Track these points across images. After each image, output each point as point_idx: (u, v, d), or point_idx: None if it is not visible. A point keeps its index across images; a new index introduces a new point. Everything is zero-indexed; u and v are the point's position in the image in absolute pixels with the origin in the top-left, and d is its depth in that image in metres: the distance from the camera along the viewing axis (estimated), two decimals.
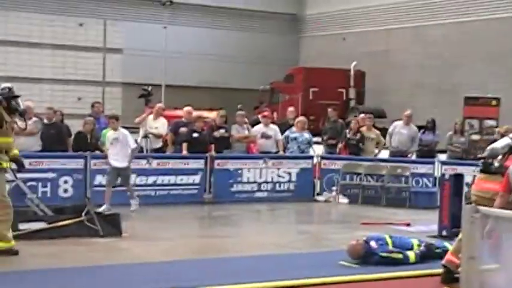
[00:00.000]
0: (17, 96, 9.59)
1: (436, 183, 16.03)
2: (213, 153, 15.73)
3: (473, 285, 5.53)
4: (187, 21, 35.40)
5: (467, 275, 5.67)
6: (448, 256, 8.42)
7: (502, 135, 16.68)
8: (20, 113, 9.76)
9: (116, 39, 33.72)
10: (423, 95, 28.99)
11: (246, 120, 17.55)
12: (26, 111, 10.50)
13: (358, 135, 17.38)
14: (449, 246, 10.09)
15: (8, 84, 9.66)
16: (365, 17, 32.68)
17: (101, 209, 12.30)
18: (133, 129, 16.03)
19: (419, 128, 18.34)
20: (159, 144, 16.44)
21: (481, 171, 8.69)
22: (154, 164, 15.08)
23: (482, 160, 8.67)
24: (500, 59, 26.37)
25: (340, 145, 17.67)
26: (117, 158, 13.51)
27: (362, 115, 18.23)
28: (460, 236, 7.57)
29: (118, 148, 13.53)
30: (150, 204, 14.28)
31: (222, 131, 16.41)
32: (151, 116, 16.66)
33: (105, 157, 13.79)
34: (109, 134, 13.76)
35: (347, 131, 17.71)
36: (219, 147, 16.09)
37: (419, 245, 9.89)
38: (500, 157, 8.48)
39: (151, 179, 14.99)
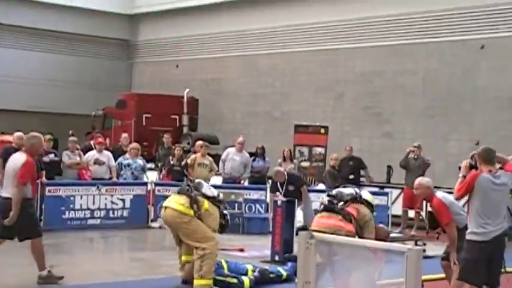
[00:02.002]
0: None
1: (268, 209, 16.39)
2: (44, 179, 15.33)
3: None
4: (16, 44, 34.18)
5: None
6: None
7: (333, 167, 17.63)
8: None
9: None
10: (255, 123, 29.54)
11: (78, 146, 17.30)
12: None
13: (184, 162, 17.55)
14: (283, 271, 10.38)
15: None
16: (198, 45, 32.94)
17: None
18: None
19: (250, 154, 18.73)
20: None
21: (324, 210, 9.62)
22: None
23: (327, 199, 9.53)
24: (326, 89, 27.32)
25: (163, 171, 17.77)
26: None
27: (200, 142, 18.36)
28: None
29: None
30: None
31: (51, 155, 16.08)
32: None
33: None
34: None
35: (170, 157, 17.83)
36: (50, 173, 15.73)
37: (253, 271, 10.10)
38: (342, 203, 9.70)
39: None
